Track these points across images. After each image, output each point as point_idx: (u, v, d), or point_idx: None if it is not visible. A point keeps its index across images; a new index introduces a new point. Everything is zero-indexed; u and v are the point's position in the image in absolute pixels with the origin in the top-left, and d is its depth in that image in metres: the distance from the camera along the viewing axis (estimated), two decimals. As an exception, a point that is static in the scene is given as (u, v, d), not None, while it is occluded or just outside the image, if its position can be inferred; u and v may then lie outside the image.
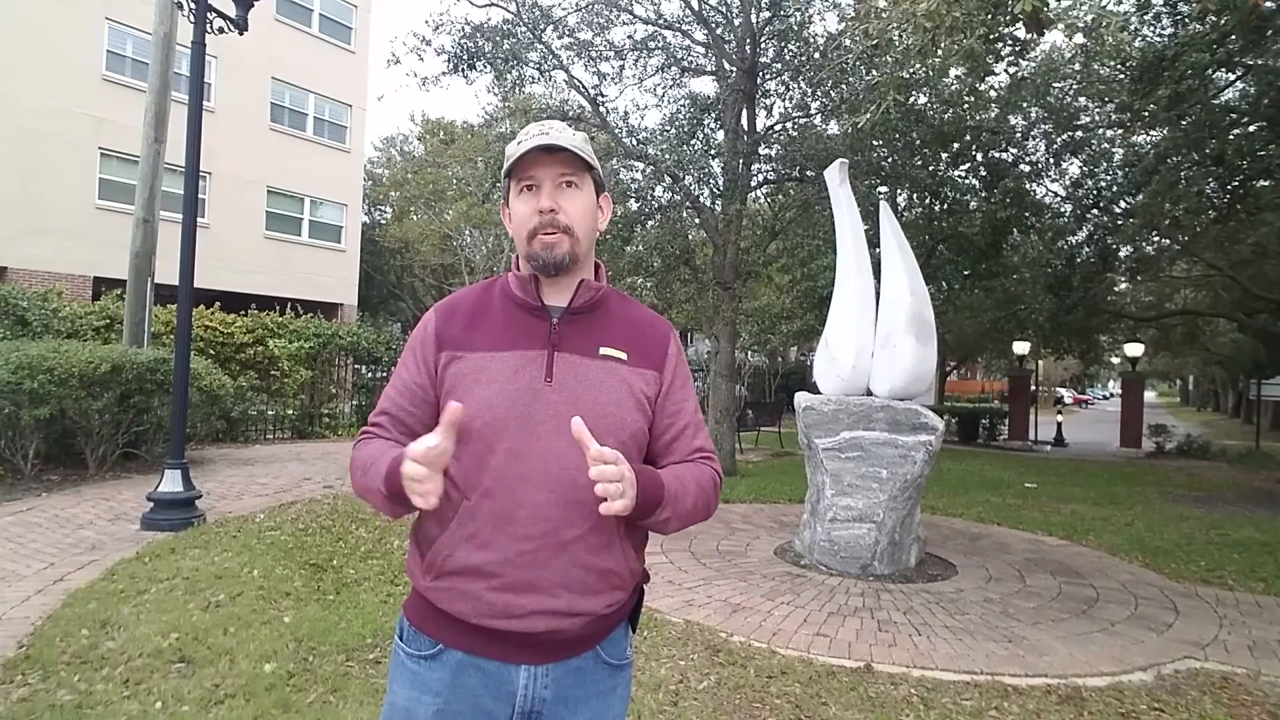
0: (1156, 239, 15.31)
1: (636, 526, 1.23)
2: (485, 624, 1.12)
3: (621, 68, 9.94)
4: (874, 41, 4.54)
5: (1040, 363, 25.87)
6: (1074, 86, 11.88)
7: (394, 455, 1.08)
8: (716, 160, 9.26)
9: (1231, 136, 9.80)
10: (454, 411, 1.01)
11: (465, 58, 8.89)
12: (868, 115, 5.03)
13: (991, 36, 4.10)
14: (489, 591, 1.11)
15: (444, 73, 9.02)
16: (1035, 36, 4.22)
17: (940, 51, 4.30)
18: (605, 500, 1.02)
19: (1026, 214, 12.83)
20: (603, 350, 1.20)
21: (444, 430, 1.01)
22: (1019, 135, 12.66)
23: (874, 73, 7.14)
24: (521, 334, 1.18)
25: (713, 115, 9.65)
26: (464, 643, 1.14)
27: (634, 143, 9.30)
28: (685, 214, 10.12)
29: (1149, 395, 40.50)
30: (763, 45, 9.30)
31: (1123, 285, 19.71)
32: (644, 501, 1.09)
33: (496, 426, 1.13)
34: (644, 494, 1.08)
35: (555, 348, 1.17)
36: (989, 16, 3.96)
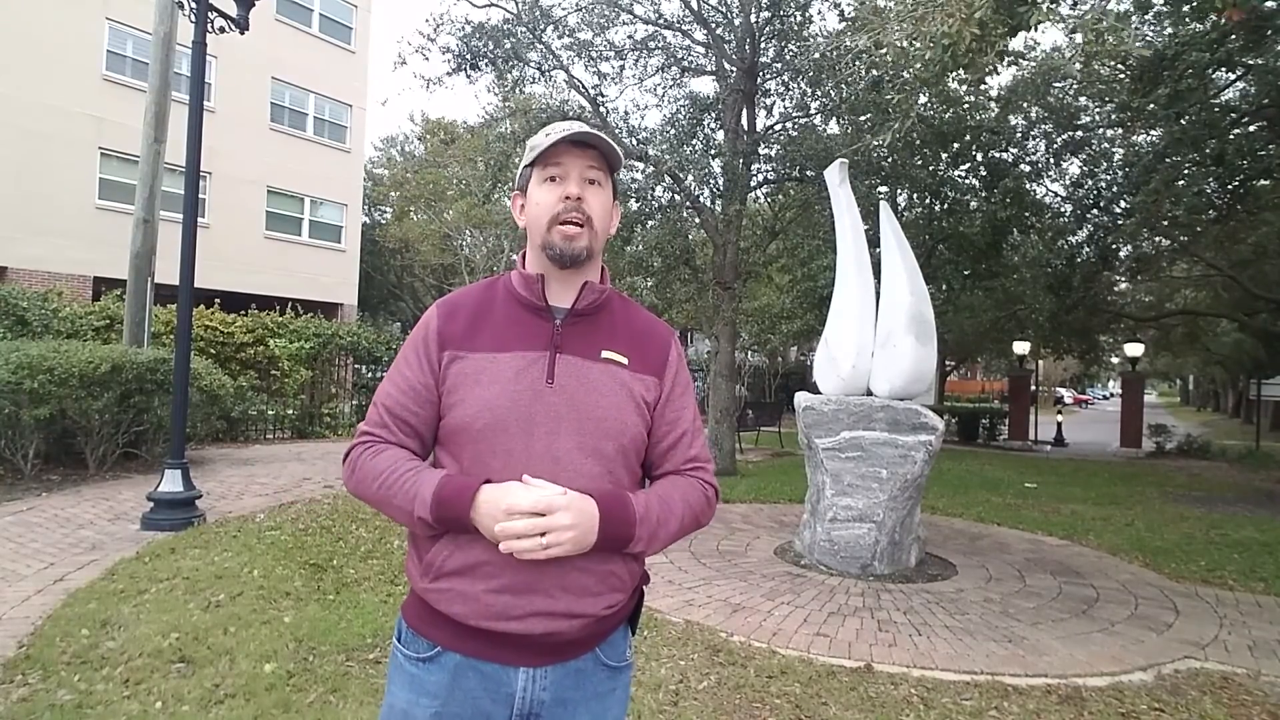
0: (1156, 239, 15.31)
1: None
2: (483, 626, 1.11)
3: (621, 68, 9.95)
4: (885, 53, 4.51)
5: (1040, 363, 25.87)
6: (1074, 86, 11.88)
7: (441, 479, 1.09)
8: (717, 160, 9.27)
9: (1231, 136, 9.80)
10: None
11: (468, 57, 8.89)
12: (891, 135, 5.06)
13: (999, 49, 4.10)
14: (487, 593, 1.11)
15: (448, 73, 9.03)
16: (1033, 31, 4.21)
17: (953, 68, 4.30)
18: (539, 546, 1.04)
19: (1026, 214, 12.83)
20: (605, 354, 1.19)
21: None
22: (1019, 135, 12.67)
23: (874, 72, 7.14)
24: (524, 334, 1.18)
25: (713, 115, 9.65)
26: (462, 645, 1.13)
27: (634, 143, 9.31)
28: (685, 214, 10.11)
29: (1149, 395, 40.53)
30: (763, 45, 9.30)
31: (1123, 285, 19.71)
32: (607, 537, 1.09)
33: (497, 427, 1.12)
34: (607, 530, 1.09)
35: (558, 349, 1.17)
36: (1004, 30, 3.95)
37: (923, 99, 10.11)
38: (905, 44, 4.23)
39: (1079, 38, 3.78)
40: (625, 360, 1.20)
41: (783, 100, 10.01)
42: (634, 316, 1.28)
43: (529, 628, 1.11)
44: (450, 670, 1.14)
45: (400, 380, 1.21)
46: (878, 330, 5.48)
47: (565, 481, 1.11)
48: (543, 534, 1.03)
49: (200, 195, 6.67)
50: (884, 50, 4.42)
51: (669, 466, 1.24)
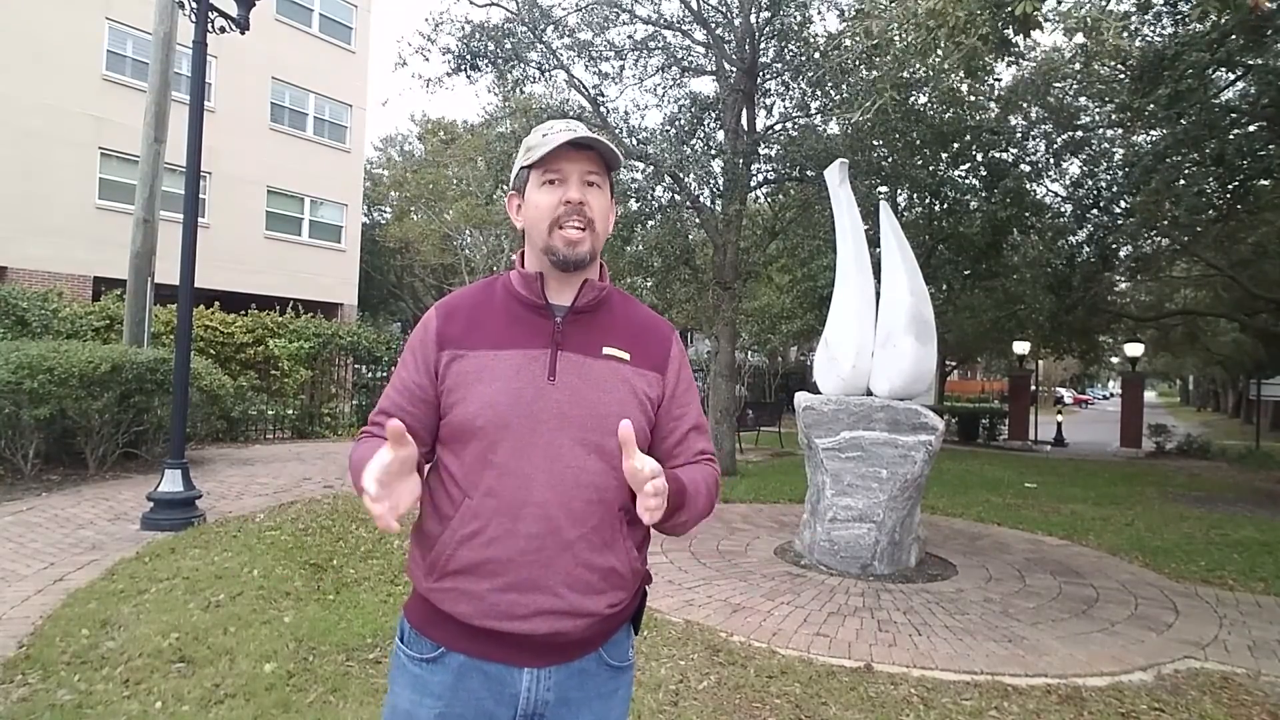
0: (1156, 239, 15.32)
1: (640, 525, 1.23)
2: (488, 626, 1.11)
3: (622, 68, 9.95)
4: (874, 41, 4.53)
5: (1040, 363, 25.86)
6: (1074, 86, 11.88)
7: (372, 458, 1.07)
8: (717, 160, 9.27)
9: (1231, 136, 9.80)
10: (394, 430, 1.00)
11: (468, 58, 8.89)
12: (861, 111, 5.03)
13: (991, 37, 4.10)
14: (492, 592, 1.10)
15: (448, 73, 9.02)
16: (1024, 38, 4.20)
17: (940, 51, 4.32)
18: (647, 512, 1.05)
19: (1026, 214, 12.83)
20: (606, 350, 1.19)
21: (392, 445, 1.00)
22: (1019, 135, 12.68)
23: (873, 71, 7.16)
24: (524, 332, 1.18)
25: (713, 115, 9.65)
26: (466, 645, 1.13)
27: (634, 143, 9.30)
28: (685, 214, 10.12)
29: (1149, 395, 40.50)
30: (763, 45, 9.30)
31: (1123, 285, 19.72)
32: (670, 508, 1.11)
33: (499, 425, 1.12)
34: (671, 501, 1.10)
35: (559, 346, 1.17)
36: (991, 14, 3.96)
37: (923, 99, 10.13)
38: (893, 30, 4.24)
39: (1077, 37, 3.78)
40: (627, 356, 1.21)
41: (783, 100, 10.02)
42: (634, 313, 1.28)
43: (534, 628, 1.11)
44: (454, 671, 1.14)
45: (398, 381, 1.22)
46: (878, 330, 5.48)
47: (570, 478, 1.12)
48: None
49: (200, 195, 6.68)
50: (874, 39, 4.43)
51: (681, 460, 1.25)
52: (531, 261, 1.24)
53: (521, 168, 1.23)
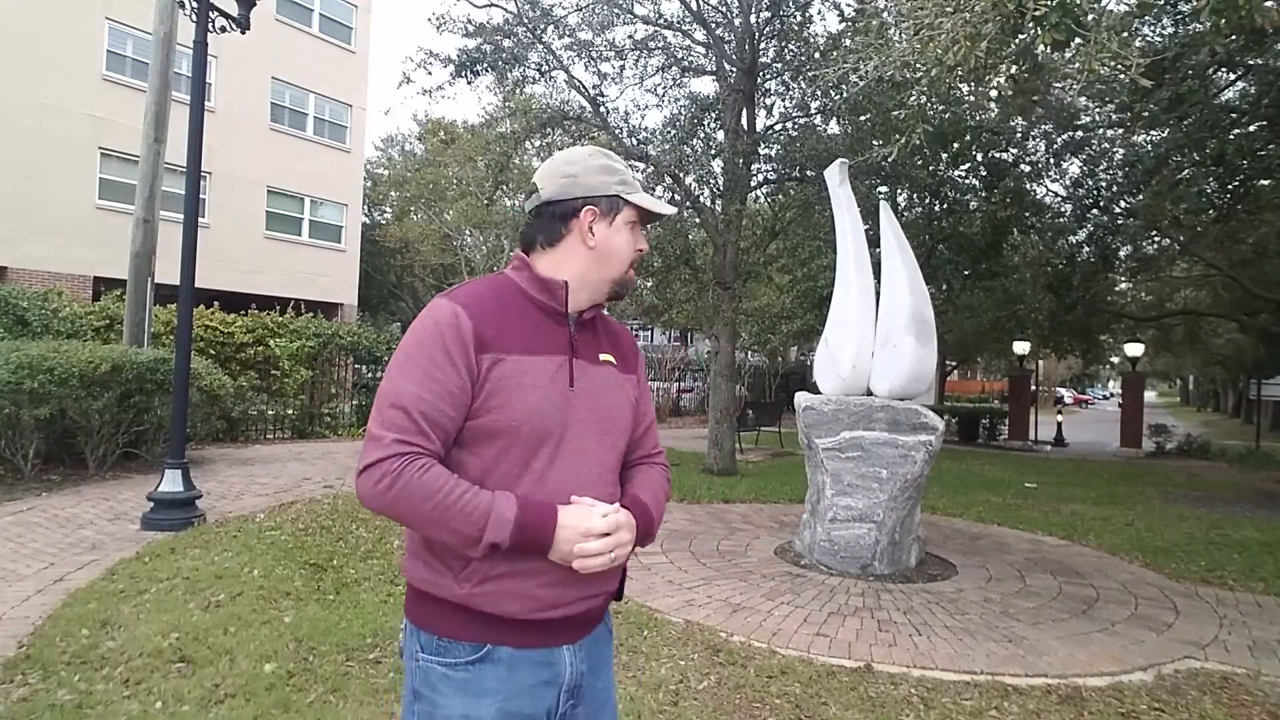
0: (1157, 239, 15.31)
1: None
2: (540, 617, 1.18)
3: (622, 68, 9.95)
4: (889, 72, 4.51)
5: (1040, 363, 25.87)
6: (1074, 86, 11.86)
7: (519, 503, 1.12)
8: (717, 160, 9.27)
9: (1231, 136, 9.79)
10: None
11: (468, 62, 8.89)
12: (897, 147, 5.02)
13: (1011, 70, 4.10)
14: (540, 588, 1.16)
15: (449, 80, 9.02)
16: (1060, 54, 4.20)
17: (963, 86, 4.35)
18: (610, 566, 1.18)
19: (1026, 214, 12.85)
20: (602, 356, 1.29)
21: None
22: (1019, 135, 12.67)
23: (872, 72, 7.14)
24: (546, 338, 1.23)
25: (713, 115, 9.65)
26: (514, 638, 1.18)
27: (634, 143, 9.30)
28: (685, 214, 10.12)
29: (1149, 395, 40.49)
30: (762, 45, 9.30)
31: (1123, 285, 19.71)
32: (641, 533, 1.25)
33: (541, 431, 1.17)
34: (641, 532, 1.24)
35: (574, 354, 1.24)
36: (1010, 50, 3.95)
37: (923, 99, 10.10)
38: (910, 60, 4.23)
39: (1081, 58, 3.77)
40: (615, 362, 1.32)
41: (783, 100, 10.02)
42: (611, 323, 1.40)
43: (575, 610, 1.21)
44: (505, 663, 1.17)
45: (433, 384, 1.12)
46: (878, 330, 5.48)
47: (594, 475, 1.22)
48: (612, 550, 1.16)
49: (200, 195, 6.68)
50: (889, 70, 4.43)
51: (639, 454, 1.38)
52: (565, 272, 1.26)
53: (621, 199, 1.28)
